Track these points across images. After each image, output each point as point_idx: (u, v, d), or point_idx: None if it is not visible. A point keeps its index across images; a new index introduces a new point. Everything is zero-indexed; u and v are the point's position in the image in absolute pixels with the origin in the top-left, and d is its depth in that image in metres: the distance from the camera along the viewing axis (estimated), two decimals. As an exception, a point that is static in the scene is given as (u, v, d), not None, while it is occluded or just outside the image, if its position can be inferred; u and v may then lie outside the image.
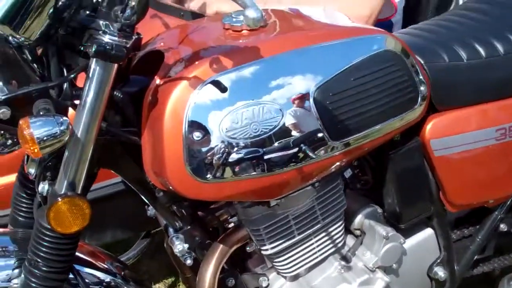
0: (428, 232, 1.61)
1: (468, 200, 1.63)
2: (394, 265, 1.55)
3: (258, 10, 1.04)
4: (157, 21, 1.76)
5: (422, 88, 1.43)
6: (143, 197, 1.37)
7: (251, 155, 1.20)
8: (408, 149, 1.51)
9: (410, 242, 1.58)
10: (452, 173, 1.56)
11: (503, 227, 1.73)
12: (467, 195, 1.61)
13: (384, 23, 1.95)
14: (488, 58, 1.58)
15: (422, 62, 1.49)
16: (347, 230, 1.54)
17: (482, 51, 1.59)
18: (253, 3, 1.05)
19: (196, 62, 1.22)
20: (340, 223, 1.49)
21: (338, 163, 1.36)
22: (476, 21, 1.72)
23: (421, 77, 1.43)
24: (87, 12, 1.13)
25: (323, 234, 1.46)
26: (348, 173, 1.58)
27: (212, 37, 1.36)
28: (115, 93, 1.18)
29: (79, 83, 1.17)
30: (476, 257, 1.72)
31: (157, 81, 1.22)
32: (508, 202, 1.70)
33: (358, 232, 1.55)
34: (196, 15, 1.80)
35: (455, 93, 1.54)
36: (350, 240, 1.55)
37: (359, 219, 1.53)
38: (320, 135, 1.27)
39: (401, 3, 2.00)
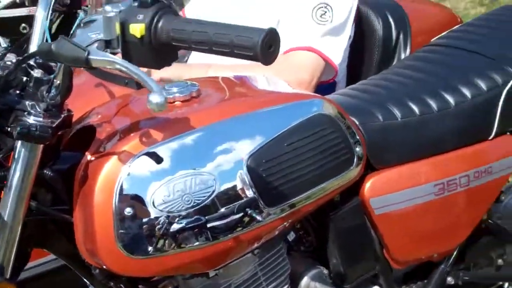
0: (375, 290, 1.62)
1: (412, 256, 1.64)
2: (343, 327, 1.54)
3: (162, 96, 1.05)
4: (101, 89, 1.76)
5: (357, 148, 1.45)
6: (79, 274, 1.35)
7: (184, 228, 1.19)
8: (348, 209, 1.52)
9: (358, 303, 1.58)
10: (394, 230, 1.57)
11: (450, 280, 1.74)
12: (411, 251, 1.63)
13: (329, 85, 1.98)
14: (422, 115, 1.62)
15: (357, 122, 1.52)
16: (294, 294, 1.53)
17: (416, 109, 1.62)
18: (159, 88, 1.06)
19: (129, 136, 1.22)
20: (285, 287, 1.48)
21: (277, 228, 1.36)
22: (411, 79, 1.75)
23: (357, 137, 1.45)
24: (17, 91, 1.13)
25: (269, 300, 1.45)
26: (291, 236, 1.57)
27: (146, 110, 1.36)
28: (44, 171, 1.18)
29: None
30: (426, 311, 1.73)
31: (88, 156, 1.21)
32: (453, 255, 1.72)
33: (306, 295, 1.54)
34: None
35: (391, 151, 1.57)
36: (298, 303, 1.54)
37: (305, 281, 1.52)
38: (254, 202, 1.27)
39: (343, 63, 2.03)
